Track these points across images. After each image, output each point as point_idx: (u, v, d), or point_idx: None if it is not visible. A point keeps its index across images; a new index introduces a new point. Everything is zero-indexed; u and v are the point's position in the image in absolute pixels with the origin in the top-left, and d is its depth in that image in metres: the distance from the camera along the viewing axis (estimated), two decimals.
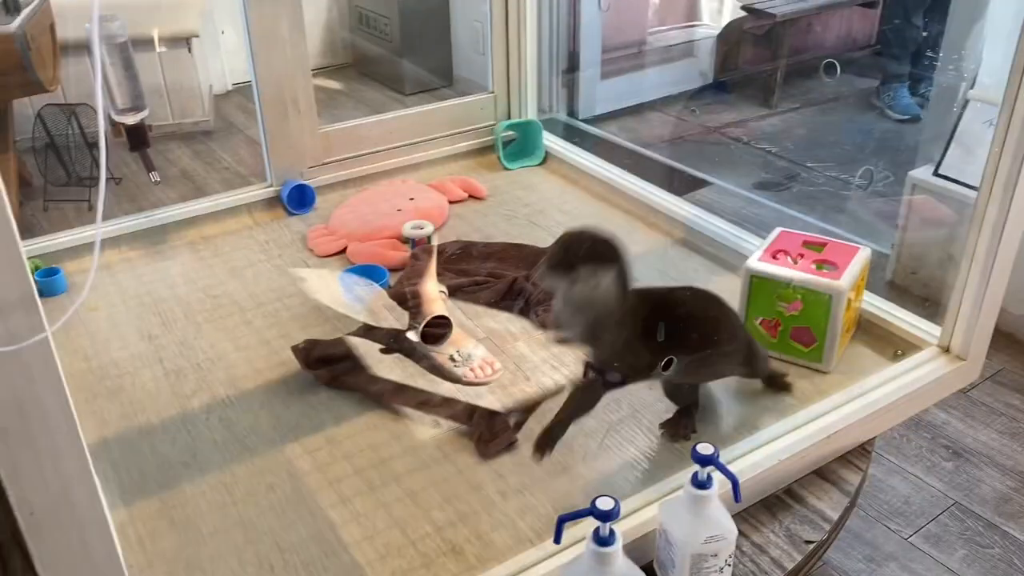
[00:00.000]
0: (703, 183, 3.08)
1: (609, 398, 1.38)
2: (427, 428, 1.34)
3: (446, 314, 1.48)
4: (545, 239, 1.82)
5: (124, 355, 1.51)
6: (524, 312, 1.56)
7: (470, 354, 1.45)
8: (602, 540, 0.93)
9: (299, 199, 1.99)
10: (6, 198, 0.54)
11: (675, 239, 1.86)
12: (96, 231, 1.81)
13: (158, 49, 3.26)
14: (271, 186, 2.01)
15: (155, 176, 1.73)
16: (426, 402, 1.37)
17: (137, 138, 1.72)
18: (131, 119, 1.71)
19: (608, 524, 0.93)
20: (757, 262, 1.43)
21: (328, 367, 1.43)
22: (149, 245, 1.84)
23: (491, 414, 1.33)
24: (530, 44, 2.18)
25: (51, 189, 2.92)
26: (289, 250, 1.85)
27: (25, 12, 2.24)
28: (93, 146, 2.99)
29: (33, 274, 1.66)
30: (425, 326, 1.45)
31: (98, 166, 2.89)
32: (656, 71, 3.80)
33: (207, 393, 1.41)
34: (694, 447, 1.00)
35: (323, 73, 4.09)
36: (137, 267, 1.76)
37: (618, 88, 3.64)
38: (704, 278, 1.72)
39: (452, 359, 1.44)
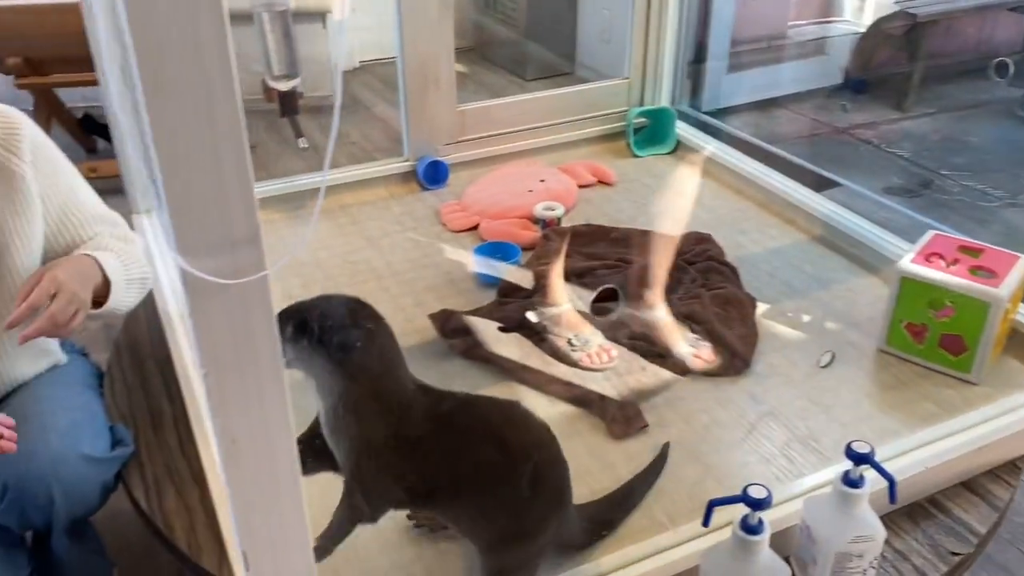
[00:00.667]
0: (831, 184, 2.99)
1: (748, 392, 1.36)
2: (559, 404, 1.34)
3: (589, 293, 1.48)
4: (676, 228, 1.80)
5: None
6: (656, 300, 1.55)
7: (587, 340, 1.44)
8: (751, 528, 0.92)
9: (433, 175, 2.03)
10: (246, 142, 0.57)
11: (812, 236, 1.81)
12: (322, 179, 1.87)
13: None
14: (407, 160, 2.05)
15: (303, 142, 1.77)
16: (557, 380, 1.38)
17: (288, 104, 1.78)
18: (285, 85, 1.77)
19: (758, 513, 0.92)
20: (910, 264, 1.37)
21: (464, 337, 1.45)
22: (290, 210, 1.90)
23: (623, 395, 1.32)
24: (670, 31, 2.16)
25: None
26: (423, 223, 1.88)
27: None
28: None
29: None
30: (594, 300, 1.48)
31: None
32: (786, 67, 3.70)
33: None
34: (849, 445, 0.97)
35: None
36: (280, 229, 1.83)
37: (745, 82, 3.56)
38: (843, 278, 1.66)
39: (570, 343, 1.44)
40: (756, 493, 0.90)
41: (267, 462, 0.68)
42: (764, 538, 0.92)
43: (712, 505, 0.92)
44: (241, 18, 2.88)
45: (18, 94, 2.66)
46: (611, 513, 1.11)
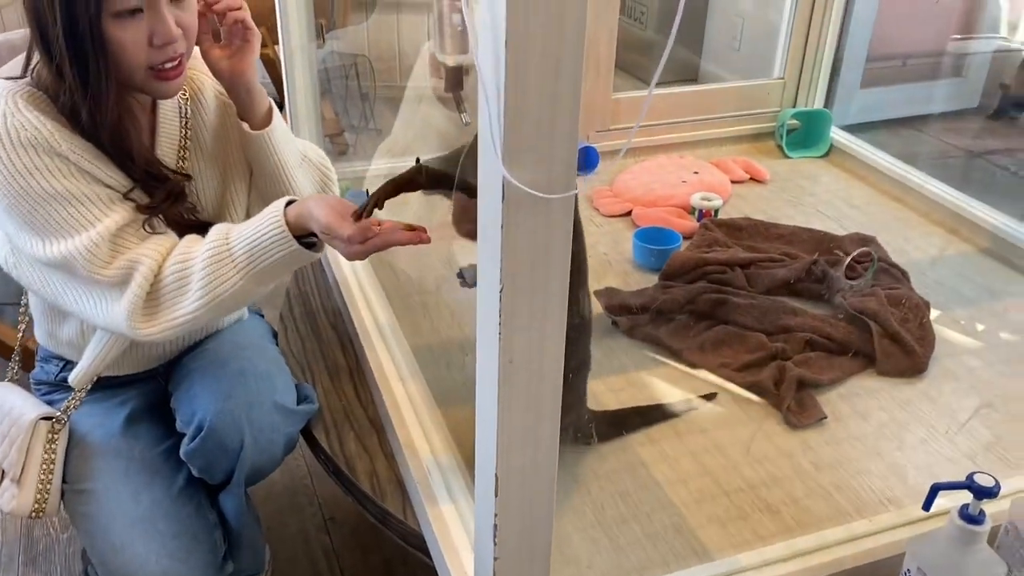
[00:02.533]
0: None
1: (925, 394, 1.32)
2: (732, 388, 1.33)
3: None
4: (835, 229, 1.76)
5: (428, 277, 1.59)
6: (825, 296, 1.52)
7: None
8: (972, 518, 0.89)
9: (583, 161, 2.03)
10: (581, 79, 0.58)
11: (979, 248, 1.74)
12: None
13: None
14: None
15: (466, 118, 1.79)
16: (727, 365, 1.36)
17: (454, 79, 1.80)
18: (452, 60, 1.79)
19: (980, 502, 0.88)
20: None
21: (629, 315, 1.44)
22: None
23: (799, 386, 1.30)
24: (831, 32, 2.12)
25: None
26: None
27: None
28: (365, 97, 3.17)
29: (345, 194, 1.78)
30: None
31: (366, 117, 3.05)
32: (926, 85, 3.59)
33: None
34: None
35: None
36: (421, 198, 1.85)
37: (880, 98, 3.47)
38: (1015, 290, 1.60)
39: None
40: (983, 481, 0.87)
41: (536, 385, 0.69)
42: (985, 529, 0.89)
43: (936, 489, 0.89)
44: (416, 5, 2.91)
45: None
46: (623, 420, 1.24)
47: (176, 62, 1.02)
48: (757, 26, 2.85)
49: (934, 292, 1.57)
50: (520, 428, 0.70)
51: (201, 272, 1.00)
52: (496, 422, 0.69)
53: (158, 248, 1.02)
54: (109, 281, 1.00)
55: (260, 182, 1.18)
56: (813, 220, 1.84)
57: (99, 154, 1.01)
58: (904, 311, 1.43)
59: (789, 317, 1.44)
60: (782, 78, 2.19)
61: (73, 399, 1.16)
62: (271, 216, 1.01)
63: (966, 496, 0.88)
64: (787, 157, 2.13)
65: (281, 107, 1.32)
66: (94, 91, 0.97)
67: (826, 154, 2.14)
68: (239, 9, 1.09)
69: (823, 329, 1.40)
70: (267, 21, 2.47)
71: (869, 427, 1.26)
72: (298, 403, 1.22)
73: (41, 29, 0.96)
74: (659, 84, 3.73)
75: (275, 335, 1.43)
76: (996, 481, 0.87)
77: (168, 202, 1.07)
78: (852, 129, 3.50)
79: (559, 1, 0.55)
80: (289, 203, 1.02)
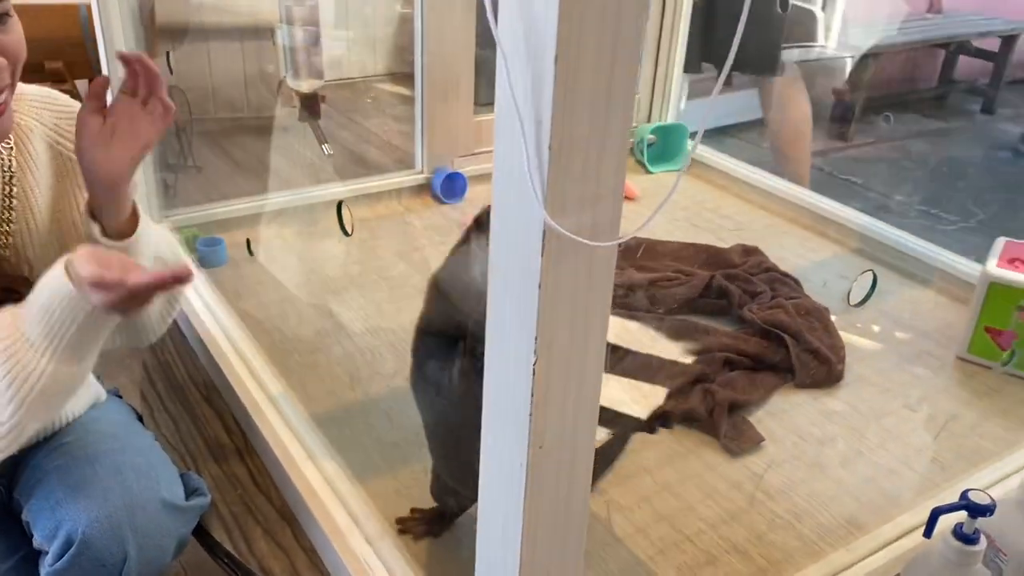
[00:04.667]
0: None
1: (847, 403, 1.31)
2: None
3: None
4: (712, 240, 1.76)
5: (308, 332, 1.42)
6: (725, 310, 1.49)
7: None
8: (967, 538, 0.85)
9: (450, 188, 1.92)
10: (632, 107, 0.47)
11: (850, 248, 1.79)
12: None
13: None
14: (421, 173, 1.93)
15: (328, 149, 1.64)
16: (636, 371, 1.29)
17: (310, 107, 1.64)
18: (306, 86, 1.64)
19: (975, 521, 0.85)
20: (995, 268, 1.36)
21: None
22: (306, 224, 1.75)
23: (730, 409, 1.25)
24: (680, 45, 2.13)
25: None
26: (449, 236, 1.76)
27: None
28: (181, 132, 2.89)
29: (194, 242, 1.57)
30: None
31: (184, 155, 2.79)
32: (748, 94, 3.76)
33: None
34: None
35: None
36: (298, 244, 1.68)
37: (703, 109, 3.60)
38: (895, 289, 1.65)
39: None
40: (978, 499, 0.84)
41: (567, 474, 0.57)
42: (981, 549, 0.86)
43: (936, 514, 0.85)
44: (261, 31, 2.65)
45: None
46: None
47: (3, 93, 0.81)
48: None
49: (823, 297, 1.58)
50: (548, 529, 0.57)
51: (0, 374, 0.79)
52: (520, 523, 0.56)
53: None
54: None
55: None
56: (692, 233, 1.82)
57: None
58: (811, 320, 1.42)
59: (702, 336, 1.39)
60: (637, 94, 2.18)
61: None
62: (54, 280, 0.81)
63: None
64: (649, 172, 2.12)
65: None
66: None
67: (687, 168, 2.15)
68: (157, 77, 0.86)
69: (738, 346, 1.37)
70: (66, 55, 2.18)
71: (807, 445, 1.22)
72: (186, 497, 1.02)
73: None
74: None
75: (140, 417, 1.21)
76: (992, 499, 0.84)
77: None
78: None
79: (615, 15, 0.44)
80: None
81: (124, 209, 0.88)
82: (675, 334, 1.39)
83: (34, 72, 2.32)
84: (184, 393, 1.29)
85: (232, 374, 1.22)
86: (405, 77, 3.15)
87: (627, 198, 1.98)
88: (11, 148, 0.92)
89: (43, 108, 0.94)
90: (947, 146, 3.88)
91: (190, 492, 1.03)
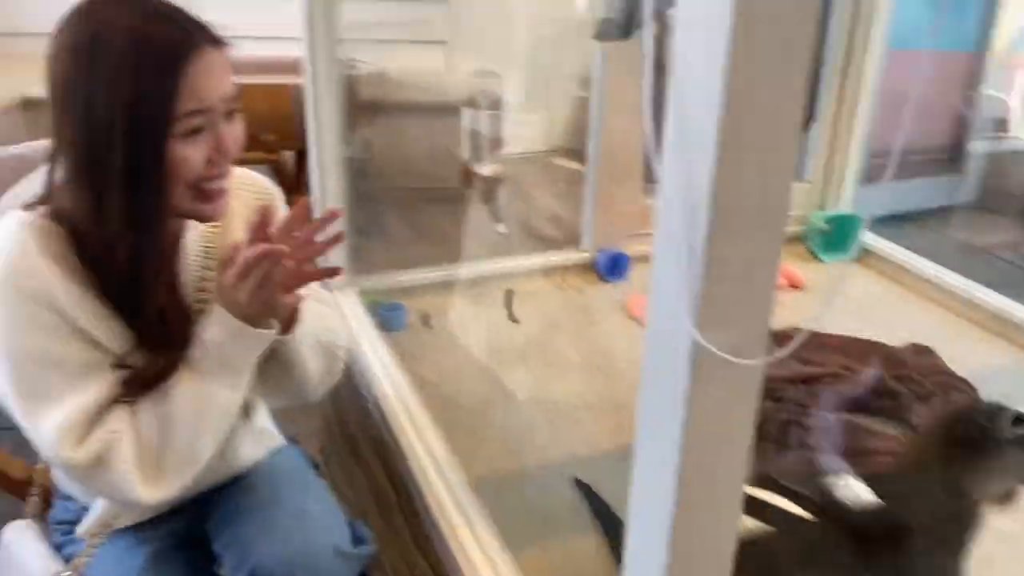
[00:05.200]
0: None
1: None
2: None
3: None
4: (879, 335, 1.71)
5: (473, 399, 1.50)
6: (894, 413, 1.45)
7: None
8: None
9: (613, 267, 1.98)
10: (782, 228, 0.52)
11: None
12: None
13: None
14: (585, 251, 2.01)
15: (502, 227, 1.75)
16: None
17: (489, 190, 1.76)
18: (487, 171, 1.75)
19: None
20: None
21: None
22: (478, 296, 1.86)
23: None
24: (858, 136, 2.11)
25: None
26: (612, 315, 1.82)
27: None
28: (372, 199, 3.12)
29: (376, 307, 1.70)
30: None
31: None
32: (925, 181, 3.62)
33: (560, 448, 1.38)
34: None
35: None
36: (470, 313, 1.78)
37: (881, 193, 3.49)
38: None
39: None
40: None
41: None
42: None
43: None
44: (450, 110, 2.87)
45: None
46: None
47: (224, 179, 0.95)
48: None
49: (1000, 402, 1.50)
50: None
51: (183, 411, 0.92)
52: None
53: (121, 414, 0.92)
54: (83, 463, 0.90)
55: (266, 365, 1.03)
56: (859, 327, 1.78)
57: (101, 309, 0.92)
58: None
59: (866, 438, 1.36)
60: (810, 181, 2.18)
61: (84, 552, 1.04)
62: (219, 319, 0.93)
63: None
64: (820, 261, 2.09)
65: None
66: (144, 222, 0.89)
67: (859, 257, 2.11)
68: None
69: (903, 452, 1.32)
70: (278, 129, 2.43)
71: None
72: (353, 545, 1.11)
73: (91, 156, 0.88)
74: None
75: (316, 465, 1.33)
76: None
77: (166, 371, 0.95)
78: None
79: (769, 153, 0.49)
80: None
81: (285, 313, 0.99)
82: (837, 436, 1.36)
83: (249, 142, 2.61)
84: (357, 446, 1.40)
85: (402, 433, 1.32)
86: (577, 154, 3.28)
87: (794, 287, 1.97)
88: (219, 229, 1.05)
89: (243, 190, 1.07)
90: None
91: (357, 541, 1.12)
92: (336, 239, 0.97)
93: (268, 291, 0.92)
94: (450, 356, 1.63)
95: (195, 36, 0.88)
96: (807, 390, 1.49)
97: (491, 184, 1.75)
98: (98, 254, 0.90)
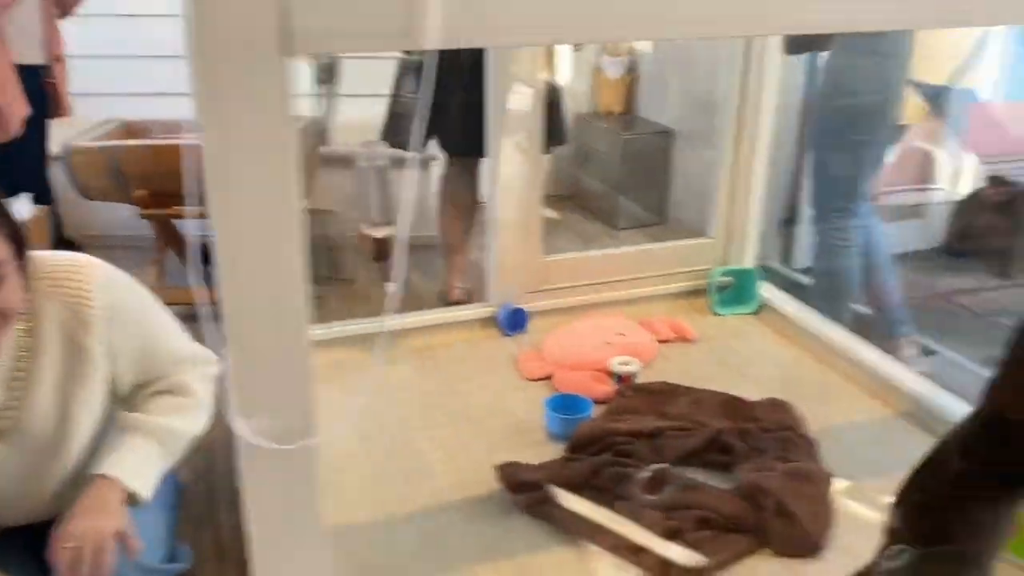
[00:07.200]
0: (926, 351, 2.89)
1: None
2: (620, 572, 1.30)
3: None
4: (754, 392, 1.77)
5: (336, 451, 1.59)
6: (729, 466, 1.51)
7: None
8: None
9: (513, 321, 2.07)
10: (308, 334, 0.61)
11: (899, 412, 1.74)
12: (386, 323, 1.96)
13: None
14: (489, 306, 2.10)
15: (392, 287, 1.85)
16: (621, 547, 1.34)
17: (381, 250, 1.87)
18: (380, 232, 1.87)
19: None
20: None
21: (528, 493, 1.44)
22: (365, 350, 1.96)
23: (689, 571, 1.28)
24: (756, 193, 2.19)
25: None
26: (501, 369, 1.91)
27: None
28: (331, 249, 3.27)
29: None
30: None
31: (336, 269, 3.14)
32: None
33: (412, 502, 1.46)
34: None
35: (544, 202, 4.25)
36: (364, 368, 1.88)
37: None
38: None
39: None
40: None
41: None
42: None
43: None
44: (340, 161, 3.04)
45: (141, 222, 2.88)
46: None
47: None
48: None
49: (848, 462, 1.55)
50: None
51: None
52: None
53: None
54: None
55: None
56: (736, 381, 1.85)
57: None
58: (800, 485, 1.42)
59: (689, 493, 1.43)
60: (712, 237, 2.25)
61: None
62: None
63: None
64: (718, 315, 2.16)
65: None
66: None
67: (757, 311, 2.17)
68: None
69: (717, 506, 1.39)
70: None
71: None
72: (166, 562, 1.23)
73: None
74: (622, 229, 3.79)
75: (182, 490, 1.42)
76: None
77: None
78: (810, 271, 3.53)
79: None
80: None
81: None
82: (661, 488, 1.43)
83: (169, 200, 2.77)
84: (215, 493, 1.51)
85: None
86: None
87: (684, 339, 2.04)
88: (30, 326, 1.13)
89: (57, 288, 1.13)
90: None
91: (172, 559, 1.24)
92: None
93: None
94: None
95: None
96: (652, 444, 1.56)
97: (381, 246, 1.87)
98: None
